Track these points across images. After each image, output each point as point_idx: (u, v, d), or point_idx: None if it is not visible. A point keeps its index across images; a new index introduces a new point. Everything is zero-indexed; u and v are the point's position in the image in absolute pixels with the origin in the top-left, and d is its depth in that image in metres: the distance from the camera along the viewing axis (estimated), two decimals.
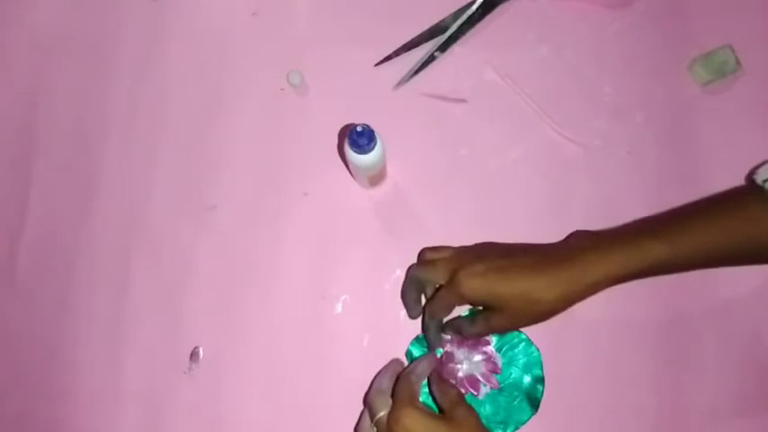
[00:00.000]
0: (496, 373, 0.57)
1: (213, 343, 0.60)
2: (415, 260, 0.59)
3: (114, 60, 0.67)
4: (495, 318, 0.53)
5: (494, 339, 0.58)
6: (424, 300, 0.58)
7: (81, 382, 0.60)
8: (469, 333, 0.55)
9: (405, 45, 0.65)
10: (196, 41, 0.67)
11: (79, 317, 0.61)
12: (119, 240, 0.63)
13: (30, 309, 0.62)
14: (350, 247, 0.61)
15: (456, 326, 0.56)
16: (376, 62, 0.65)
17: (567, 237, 0.58)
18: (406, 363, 0.58)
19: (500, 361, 0.57)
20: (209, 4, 0.68)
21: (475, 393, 0.56)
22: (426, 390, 0.56)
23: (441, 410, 0.53)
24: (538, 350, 0.57)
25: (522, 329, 0.57)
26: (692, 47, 0.63)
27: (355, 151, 0.52)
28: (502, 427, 0.56)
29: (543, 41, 0.65)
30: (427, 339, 0.57)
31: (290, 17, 0.67)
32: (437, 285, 0.56)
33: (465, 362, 0.57)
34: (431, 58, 0.64)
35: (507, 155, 0.63)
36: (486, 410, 0.56)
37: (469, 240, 0.58)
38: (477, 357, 0.57)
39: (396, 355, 0.58)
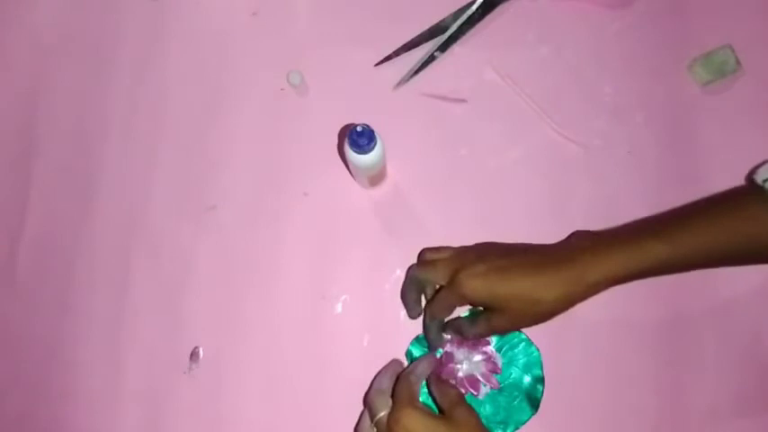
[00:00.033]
0: (496, 373, 0.57)
1: (213, 343, 0.60)
2: (415, 260, 0.59)
3: (114, 60, 0.67)
4: (496, 318, 0.53)
5: (494, 339, 0.58)
6: (423, 300, 0.58)
7: (81, 382, 0.60)
8: (470, 334, 0.55)
9: (405, 45, 0.65)
10: (196, 41, 0.67)
11: (79, 317, 0.61)
12: (119, 240, 0.63)
13: (30, 309, 0.62)
14: (350, 247, 0.61)
15: (457, 326, 0.56)
16: (376, 62, 0.65)
17: (568, 237, 0.58)
18: (405, 363, 0.58)
19: (500, 361, 0.57)
20: (209, 4, 0.68)
21: (475, 393, 0.56)
22: (426, 390, 0.56)
23: (441, 411, 0.53)
24: (538, 350, 0.57)
25: (522, 330, 0.57)
26: (692, 47, 0.63)
27: (355, 151, 0.52)
28: (502, 427, 0.56)
29: (543, 41, 0.65)
30: (428, 340, 0.57)
31: (290, 17, 0.67)
32: (437, 286, 0.56)
33: (465, 362, 0.57)
34: (431, 58, 0.64)
35: (507, 155, 0.63)
36: (486, 410, 0.56)
37: (470, 240, 0.58)
38: (477, 357, 0.57)
39: (396, 355, 0.58)
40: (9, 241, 0.63)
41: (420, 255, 0.59)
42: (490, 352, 0.57)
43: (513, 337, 0.58)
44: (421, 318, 0.58)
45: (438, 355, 0.57)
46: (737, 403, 0.57)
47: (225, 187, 0.63)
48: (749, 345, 0.58)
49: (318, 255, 0.61)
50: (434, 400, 0.55)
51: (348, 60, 0.65)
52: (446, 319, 0.57)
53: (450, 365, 0.57)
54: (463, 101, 0.64)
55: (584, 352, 0.58)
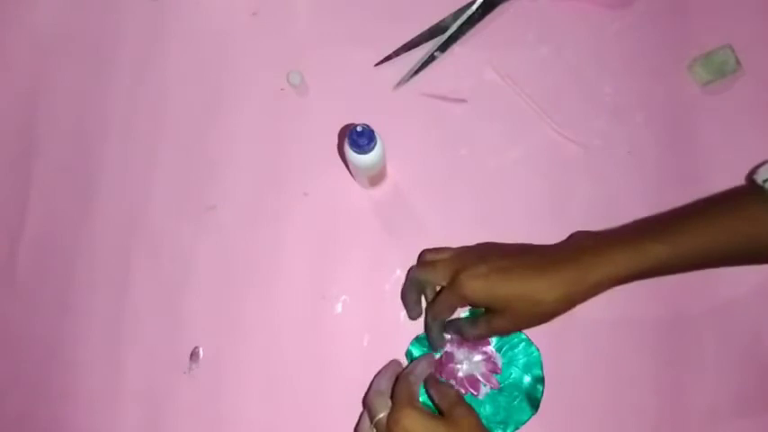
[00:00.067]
0: (496, 373, 0.57)
1: (213, 343, 0.60)
2: (415, 260, 0.59)
3: (114, 60, 0.67)
4: (497, 319, 0.53)
5: (493, 339, 0.58)
6: (424, 301, 0.58)
7: (81, 382, 0.60)
8: (471, 335, 0.55)
9: (405, 45, 0.65)
10: (196, 41, 0.67)
11: (79, 317, 0.61)
12: (119, 240, 0.63)
13: (30, 309, 0.62)
14: (350, 247, 0.61)
15: (457, 327, 0.56)
16: (376, 62, 0.65)
17: (569, 237, 0.58)
18: (405, 363, 0.58)
19: (500, 361, 0.57)
20: (209, 4, 0.68)
21: (475, 393, 0.56)
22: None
23: (440, 412, 0.53)
24: (538, 350, 0.57)
25: (522, 330, 0.57)
26: (692, 47, 0.63)
27: (355, 151, 0.52)
28: (502, 427, 0.56)
29: (543, 41, 0.65)
30: (430, 341, 0.57)
31: (290, 17, 0.67)
32: (437, 287, 0.56)
33: (465, 362, 0.57)
34: (431, 58, 0.64)
35: (507, 155, 0.63)
36: (486, 410, 0.56)
37: (470, 240, 0.58)
38: (477, 357, 0.57)
39: (396, 355, 0.58)
40: (9, 241, 0.63)
41: (420, 256, 0.59)
42: (490, 352, 0.57)
43: (513, 337, 0.58)
44: (421, 318, 0.58)
45: (438, 356, 0.57)
46: (737, 403, 0.57)
47: (225, 187, 0.63)
48: (749, 345, 0.58)
49: (318, 255, 0.61)
50: (433, 402, 0.55)
51: (348, 60, 0.65)
52: (447, 320, 0.57)
53: (450, 365, 0.57)
54: (463, 101, 0.64)
55: (584, 352, 0.58)
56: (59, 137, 0.65)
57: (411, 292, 0.57)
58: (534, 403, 0.56)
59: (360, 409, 0.57)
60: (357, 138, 0.51)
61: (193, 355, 0.60)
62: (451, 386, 0.56)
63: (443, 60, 0.65)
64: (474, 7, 0.64)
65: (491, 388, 0.57)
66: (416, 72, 0.64)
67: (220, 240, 0.62)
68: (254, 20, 0.67)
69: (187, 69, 0.66)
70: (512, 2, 0.65)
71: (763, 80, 0.62)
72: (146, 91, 0.66)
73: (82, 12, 0.68)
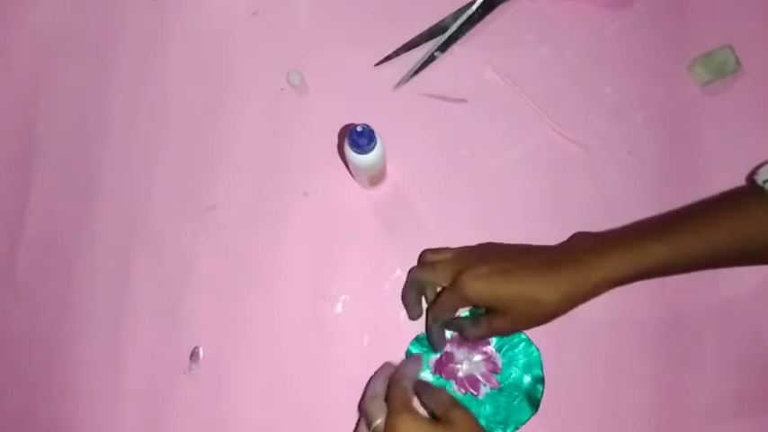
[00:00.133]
0: (496, 373, 0.57)
1: (213, 343, 0.60)
2: (415, 261, 0.59)
3: (114, 60, 0.67)
4: (498, 320, 0.53)
5: (494, 339, 0.58)
6: (424, 302, 0.58)
7: (81, 382, 0.60)
8: (472, 335, 0.55)
9: (405, 45, 0.65)
10: (196, 41, 0.67)
11: (79, 317, 0.61)
12: (119, 240, 0.63)
13: (30, 309, 0.62)
14: (350, 247, 0.61)
15: (458, 326, 0.56)
16: (376, 62, 0.65)
17: (569, 238, 0.58)
18: None
19: (500, 361, 0.57)
20: (209, 4, 0.68)
21: (475, 393, 0.56)
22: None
23: (436, 417, 0.53)
24: (538, 350, 0.57)
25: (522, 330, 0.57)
26: (692, 47, 0.63)
27: (355, 151, 0.52)
28: (502, 427, 0.56)
29: (543, 41, 0.65)
30: (431, 342, 0.57)
31: (290, 17, 0.67)
32: (438, 287, 0.56)
33: (465, 362, 0.57)
34: (431, 58, 0.64)
35: (507, 155, 0.63)
36: (486, 410, 0.56)
37: (470, 240, 0.58)
38: (477, 357, 0.57)
39: (396, 355, 0.58)
40: (9, 241, 0.63)
41: (421, 256, 0.59)
42: (490, 352, 0.57)
43: (513, 337, 0.58)
44: (421, 318, 0.58)
45: (438, 355, 0.57)
46: (737, 403, 0.57)
47: (225, 187, 0.63)
48: (749, 345, 0.58)
49: (318, 255, 0.61)
50: (427, 408, 0.54)
51: (348, 60, 0.65)
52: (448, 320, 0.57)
53: (451, 365, 0.57)
54: (463, 101, 0.64)
55: (584, 352, 0.58)
56: (59, 137, 0.65)
57: (411, 292, 0.57)
58: (534, 403, 0.56)
59: None
60: (357, 138, 0.51)
61: (193, 355, 0.60)
62: (442, 390, 0.55)
63: (443, 60, 0.65)
64: (474, 7, 0.64)
65: (491, 388, 0.57)
66: (416, 72, 0.64)
67: (220, 240, 0.62)
68: (254, 20, 0.67)
69: (187, 69, 0.66)
70: (512, 2, 0.65)
71: (763, 80, 0.62)
72: (146, 91, 0.66)
73: (82, 12, 0.68)
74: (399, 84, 0.64)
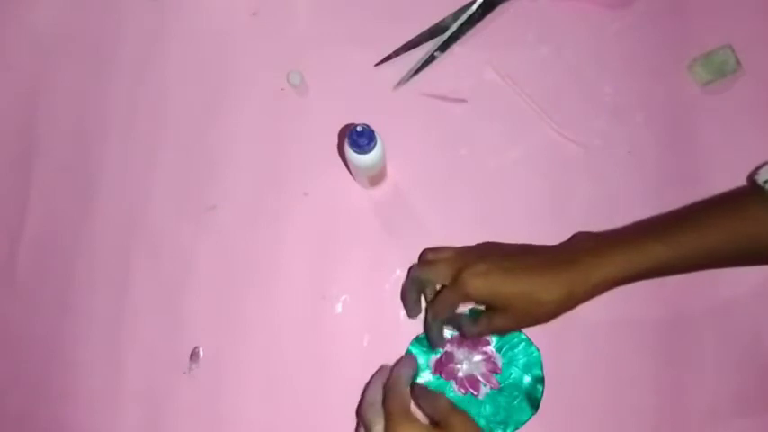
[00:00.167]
0: (496, 373, 0.57)
1: (213, 343, 0.60)
2: (415, 260, 0.59)
3: (114, 60, 0.67)
4: (498, 318, 0.53)
5: (494, 339, 0.58)
6: (423, 301, 0.58)
7: (81, 382, 0.60)
8: (471, 332, 0.55)
9: (405, 45, 0.65)
10: (196, 41, 0.67)
11: (79, 317, 0.61)
12: (119, 240, 0.63)
13: (30, 309, 0.62)
14: (350, 247, 0.61)
15: (457, 323, 0.56)
16: (376, 62, 0.65)
17: (570, 238, 0.58)
18: None
19: (500, 361, 0.57)
20: (209, 4, 0.68)
21: (475, 393, 0.56)
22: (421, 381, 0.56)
23: (434, 422, 0.53)
24: (538, 350, 0.57)
25: (522, 329, 0.57)
26: (692, 47, 0.63)
27: (355, 151, 0.52)
28: (502, 427, 0.56)
29: (543, 41, 0.65)
30: (430, 339, 0.57)
31: (290, 17, 0.67)
32: (438, 286, 0.56)
33: (465, 362, 0.57)
34: (431, 58, 0.64)
35: (507, 155, 0.63)
36: (486, 410, 0.56)
37: (470, 240, 0.58)
38: (477, 357, 0.57)
39: (396, 355, 0.58)
40: (9, 241, 0.63)
41: (421, 255, 0.59)
42: (490, 352, 0.57)
43: (513, 337, 0.58)
44: (421, 318, 0.58)
45: (438, 355, 0.57)
46: (737, 403, 0.57)
47: (225, 187, 0.63)
48: (749, 345, 0.58)
49: (318, 255, 0.61)
50: (425, 413, 0.54)
51: (348, 60, 0.65)
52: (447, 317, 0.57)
53: (451, 365, 0.57)
54: (463, 101, 0.64)
55: (584, 352, 0.58)
56: (59, 137, 0.65)
57: (411, 291, 0.57)
58: (534, 403, 0.56)
59: None
60: (357, 138, 0.51)
61: (193, 355, 0.60)
62: (440, 394, 0.55)
63: (443, 60, 0.65)
64: (474, 7, 0.64)
65: (491, 388, 0.57)
66: (416, 72, 0.64)
67: (220, 240, 0.62)
68: (254, 20, 0.67)
69: (187, 69, 0.66)
70: (512, 2, 0.65)
71: (763, 80, 0.62)
72: (146, 91, 0.66)
73: (82, 12, 0.68)
74: (399, 84, 0.64)
